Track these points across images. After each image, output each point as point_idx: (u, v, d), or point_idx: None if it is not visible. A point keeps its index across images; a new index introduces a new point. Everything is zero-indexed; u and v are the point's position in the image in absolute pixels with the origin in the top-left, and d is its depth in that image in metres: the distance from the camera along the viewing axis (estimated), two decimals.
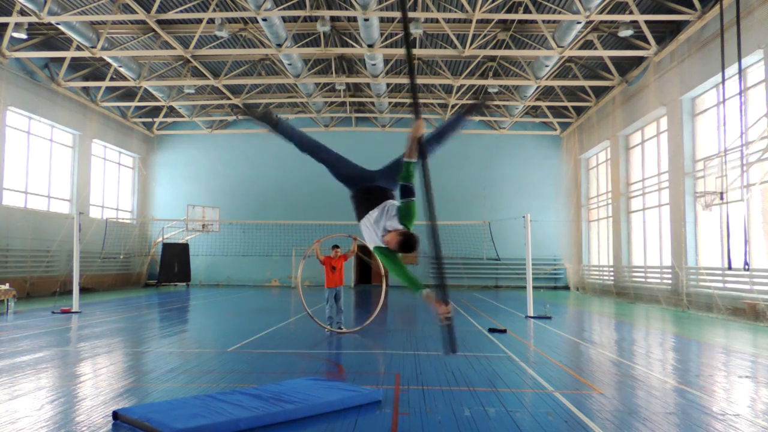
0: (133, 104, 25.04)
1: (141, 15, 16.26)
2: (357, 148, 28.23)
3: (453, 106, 25.94)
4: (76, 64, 21.94)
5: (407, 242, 4.26)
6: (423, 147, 4.31)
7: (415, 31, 17.25)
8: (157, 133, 28.57)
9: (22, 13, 16.58)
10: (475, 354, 8.17)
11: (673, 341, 10.10)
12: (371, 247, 4.56)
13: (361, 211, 4.55)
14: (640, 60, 19.53)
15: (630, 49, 18.74)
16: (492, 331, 10.66)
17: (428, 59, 21.53)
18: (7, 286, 14.09)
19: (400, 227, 4.35)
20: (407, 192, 4.45)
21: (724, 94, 14.03)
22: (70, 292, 16.20)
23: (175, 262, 25.76)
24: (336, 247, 10.75)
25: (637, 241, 21.09)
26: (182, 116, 27.37)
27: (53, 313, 13.67)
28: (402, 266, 4.39)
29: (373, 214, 4.46)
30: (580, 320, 13.65)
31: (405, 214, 4.39)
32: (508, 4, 16.77)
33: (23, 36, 17.58)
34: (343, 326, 10.53)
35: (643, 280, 19.88)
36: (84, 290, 18.62)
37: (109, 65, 21.46)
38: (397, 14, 16.77)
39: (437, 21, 17.98)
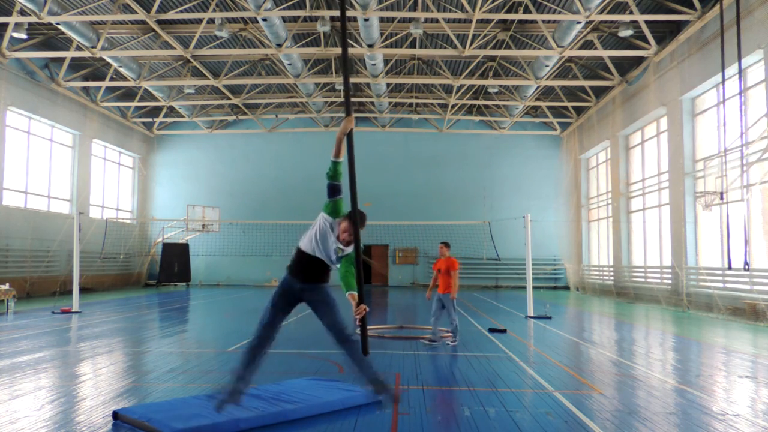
0: (133, 104, 25.03)
1: (141, 15, 16.26)
2: (357, 148, 28.32)
3: (453, 106, 25.94)
4: (76, 64, 21.93)
5: (360, 217, 4.57)
6: (351, 145, 4.67)
7: (415, 31, 17.27)
8: (157, 133, 28.56)
9: (22, 13, 16.58)
10: (475, 354, 8.17)
11: (673, 341, 10.09)
12: (336, 261, 4.81)
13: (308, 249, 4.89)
14: (640, 60, 19.53)
15: (630, 49, 18.73)
16: (492, 331, 10.66)
17: (428, 59, 21.53)
18: (7, 286, 14.09)
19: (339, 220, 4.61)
20: (335, 191, 4.67)
21: (724, 94, 14.02)
22: (70, 292, 16.20)
23: (175, 262, 25.77)
24: (443, 245, 9.25)
25: (637, 241, 21.08)
26: (182, 116, 27.36)
27: (53, 313, 13.67)
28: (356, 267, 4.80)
29: (316, 237, 4.72)
30: (580, 320, 13.64)
31: (332, 212, 4.64)
32: (508, 4, 16.77)
33: (23, 36, 17.59)
34: (434, 338, 9.01)
35: (643, 280, 19.86)
36: (84, 290, 18.61)
37: (109, 65, 21.46)
38: (398, 14, 16.76)
39: (437, 21, 17.98)
